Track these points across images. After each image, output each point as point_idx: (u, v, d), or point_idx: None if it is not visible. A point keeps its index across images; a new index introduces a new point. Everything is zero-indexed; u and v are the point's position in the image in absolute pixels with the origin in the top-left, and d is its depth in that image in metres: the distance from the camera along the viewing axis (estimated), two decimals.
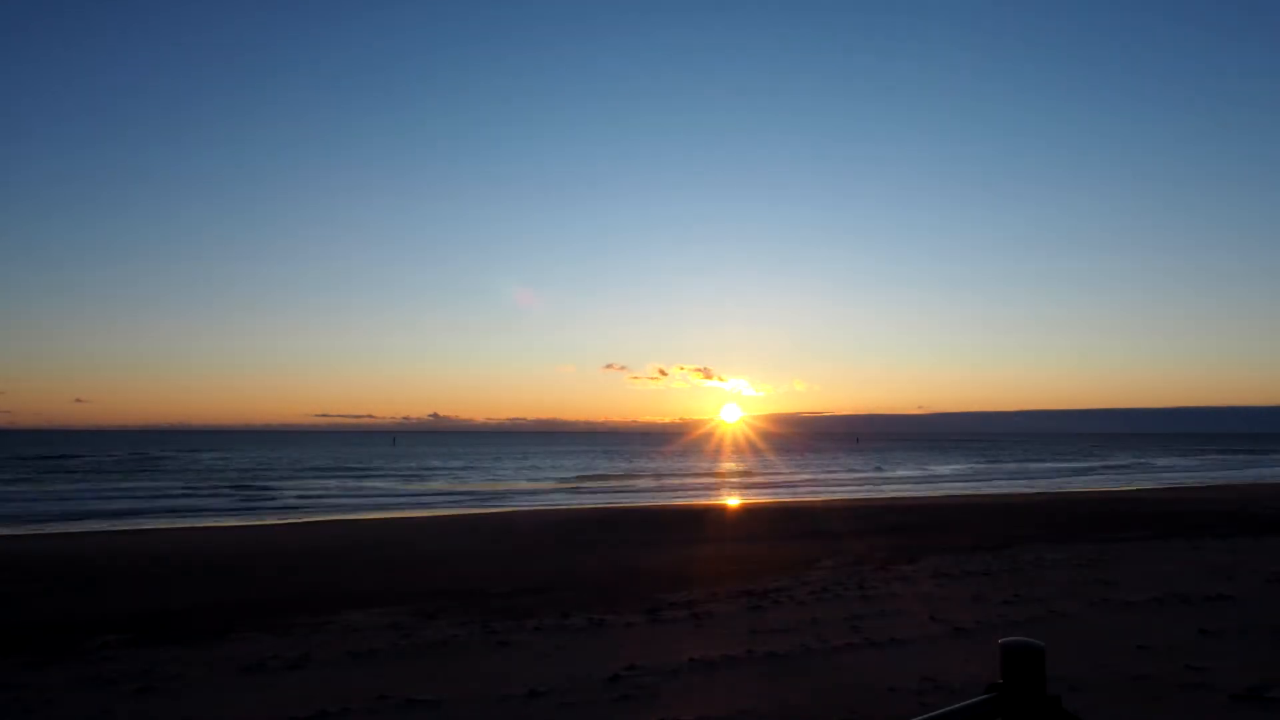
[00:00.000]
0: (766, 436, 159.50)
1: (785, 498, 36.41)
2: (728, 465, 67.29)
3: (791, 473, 57.26)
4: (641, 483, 48.20)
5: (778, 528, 21.93)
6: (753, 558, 15.49)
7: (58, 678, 7.50)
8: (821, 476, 53.28)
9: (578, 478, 53.06)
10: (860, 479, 51.05)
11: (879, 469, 62.82)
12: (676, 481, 49.01)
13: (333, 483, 47.17)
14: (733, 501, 34.70)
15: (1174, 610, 8.52)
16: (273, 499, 36.75)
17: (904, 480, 50.23)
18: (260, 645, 8.69)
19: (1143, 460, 75.44)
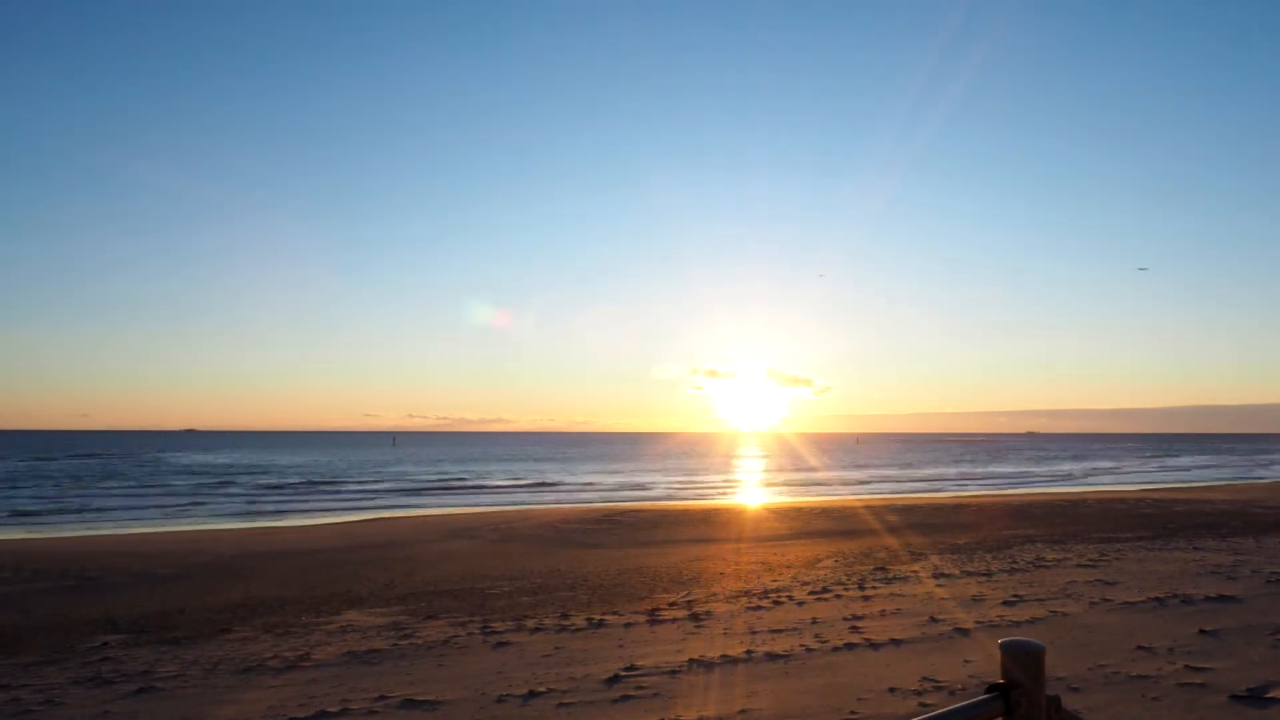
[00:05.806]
0: (792, 439, 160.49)
1: (786, 499, 36.42)
2: (735, 468, 67.32)
3: (794, 474, 57.26)
4: (645, 484, 48.18)
5: (778, 528, 21.96)
6: (753, 558, 15.50)
7: (58, 678, 7.50)
8: (823, 477, 53.26)
9: (585, 479, 53.04)
10: (861, 480, 51.01)
11: (882, 469, 62.80)
12: (681, 483, 49.02)
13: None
14: (734, 502, 34.70)
15: (1174, 610, 8.50)
16: None
17: (905, 480, 50.20)
18: (260, 645, 8.70)
19: (1143, 460, 75.41)
